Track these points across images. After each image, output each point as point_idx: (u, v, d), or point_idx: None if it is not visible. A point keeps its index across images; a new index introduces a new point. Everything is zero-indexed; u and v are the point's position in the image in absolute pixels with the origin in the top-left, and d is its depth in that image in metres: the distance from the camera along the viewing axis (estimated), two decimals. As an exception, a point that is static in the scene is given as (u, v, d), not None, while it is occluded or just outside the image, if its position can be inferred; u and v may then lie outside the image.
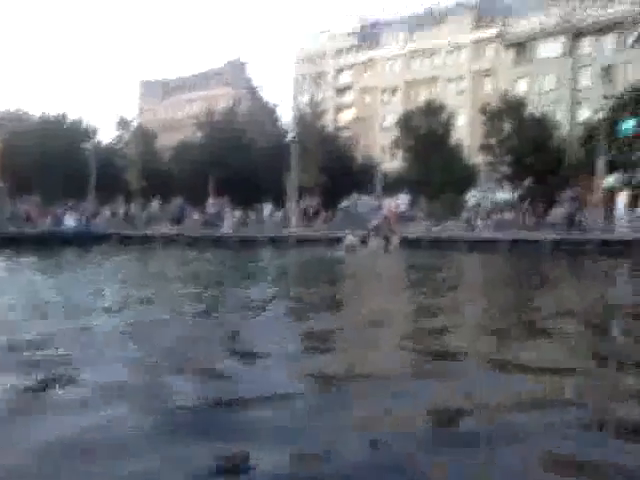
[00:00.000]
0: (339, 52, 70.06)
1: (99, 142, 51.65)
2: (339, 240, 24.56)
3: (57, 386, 3.85)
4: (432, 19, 62.83)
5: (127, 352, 5.00)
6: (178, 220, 34.81)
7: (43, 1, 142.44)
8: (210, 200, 37.93)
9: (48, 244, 26.59)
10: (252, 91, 75.31)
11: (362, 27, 69.67)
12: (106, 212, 38.38)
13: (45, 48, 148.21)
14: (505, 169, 38.46)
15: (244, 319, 6.99)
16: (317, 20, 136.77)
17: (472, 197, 37.40)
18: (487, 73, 57.87)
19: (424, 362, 4.78)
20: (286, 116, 73.90)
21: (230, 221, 33.94)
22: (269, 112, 63.82)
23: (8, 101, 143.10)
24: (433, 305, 8.33)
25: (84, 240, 28.85)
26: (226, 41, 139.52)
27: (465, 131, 49.03)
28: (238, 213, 36.02)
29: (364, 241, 24.61)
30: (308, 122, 48.24)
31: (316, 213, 36.07)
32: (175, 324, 6.61)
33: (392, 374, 4.26)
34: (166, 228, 33.47)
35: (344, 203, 35.99)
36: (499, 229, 29.33)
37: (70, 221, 34.32)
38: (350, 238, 24.03)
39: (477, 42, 59.00)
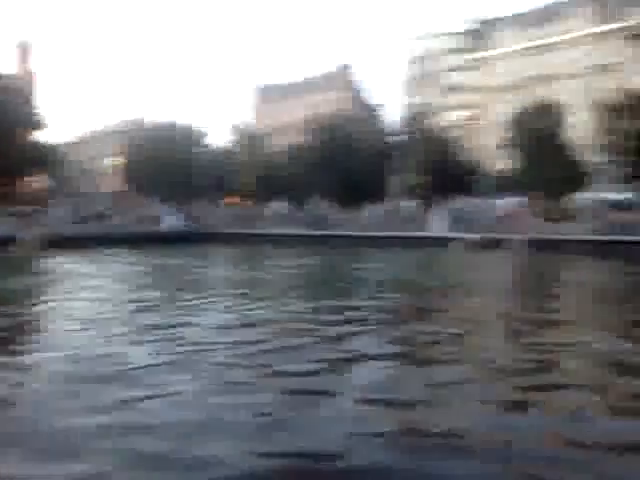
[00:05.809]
0: (450, 52, 68.81)
1: (212, 146, 54.18)
2: (450, 240, 25.07)
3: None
4: (548, 15, 59.99)
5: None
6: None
7: (155, 12, 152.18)
8: (313, 201, 38.83)
9: (153, 242, 28.26)
10: (358, 94, 75.91)
11: (474, 25, 68.01)
12: (216, 212, 40.59)
13: (159, 56, 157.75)
14: (626, 168, 35.91)
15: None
16: (427, 20, 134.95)
17: (588, 198, 35.44)
18: (607, 68, 54.36)
19: None
20: (393, 118, 73.59)
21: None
22: (375, 115, 63.94)
23: (128, 110, 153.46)
24: None
25: (187, 238, 30.42)
26: (336, 45, 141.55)
27: (581, 129, 46.36)
28: (341, 213, 36.64)
29: (490, 241, 24.86)
30: (417, 123, 47.81)
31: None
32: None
33: None
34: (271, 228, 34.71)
35: (456, 204, 35.57)
36: (618, 231, 27.48)
37: (171, 221, 36.44)
38: (468, 238, 24.69)
39: (597, 36, 55.60)
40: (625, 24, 53.92)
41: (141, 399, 4.44)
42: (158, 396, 4.53)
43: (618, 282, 15.27)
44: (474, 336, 7.16)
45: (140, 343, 6.50)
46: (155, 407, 4.31)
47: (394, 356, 6.10)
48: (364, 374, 5.18)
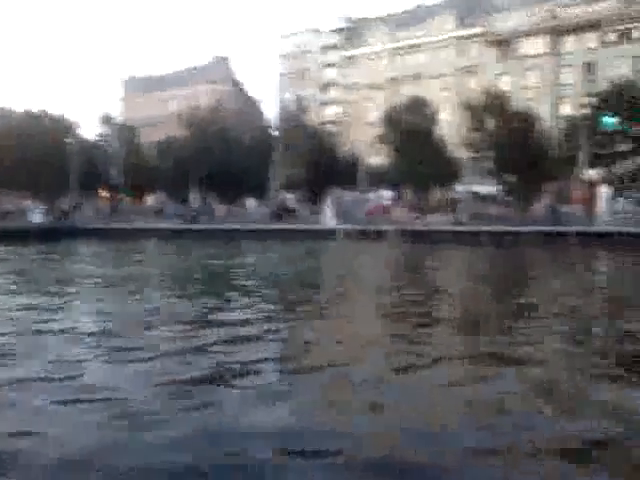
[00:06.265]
0: (324, 49, 70.02)
1: (82, 138, 51.02)
2: (335, 232, 25.76)
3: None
4: (417, 17, 63.01)
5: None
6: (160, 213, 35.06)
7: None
8: (192, 195, 37.92)
9: (18, 239, 25.79)
10: (237, 87, 75.00)
11: (347, 24, 69.70)
12: (89, 207, 38.28)
13: (28, 45, 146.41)
14: (488, 164, 38.68)
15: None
16: (301, 17, 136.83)
17: (456, 191, 37.71)
18: (471, 70, 58.21)
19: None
20: (270, 112, 73.72)
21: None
22: (254, 108, 63.64)
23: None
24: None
25: (56, 234, 27.88)
26: (210, 37, 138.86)
27: (449, 127, 49.23)
28: (223, 207, 36.10)
29: (369, 232, 25.83)
30: (293, 118, 48.17)
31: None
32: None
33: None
34: (150, 222, 33.39)
35: (330, 197, 36.23)
36: (482, 222, 29.54)
37: (38, 217, 33.83)
38: (350, 229, 25.57)
39: (461, 39, 59.29)
40: (484, 30, 58.00)
41: None
42: None
43: (490, 269, 16.42)
44: (366, 335, 7.18)
45: None
46: None
47: (284, 359, 5.96)
48: (256, 380, 4.93)
